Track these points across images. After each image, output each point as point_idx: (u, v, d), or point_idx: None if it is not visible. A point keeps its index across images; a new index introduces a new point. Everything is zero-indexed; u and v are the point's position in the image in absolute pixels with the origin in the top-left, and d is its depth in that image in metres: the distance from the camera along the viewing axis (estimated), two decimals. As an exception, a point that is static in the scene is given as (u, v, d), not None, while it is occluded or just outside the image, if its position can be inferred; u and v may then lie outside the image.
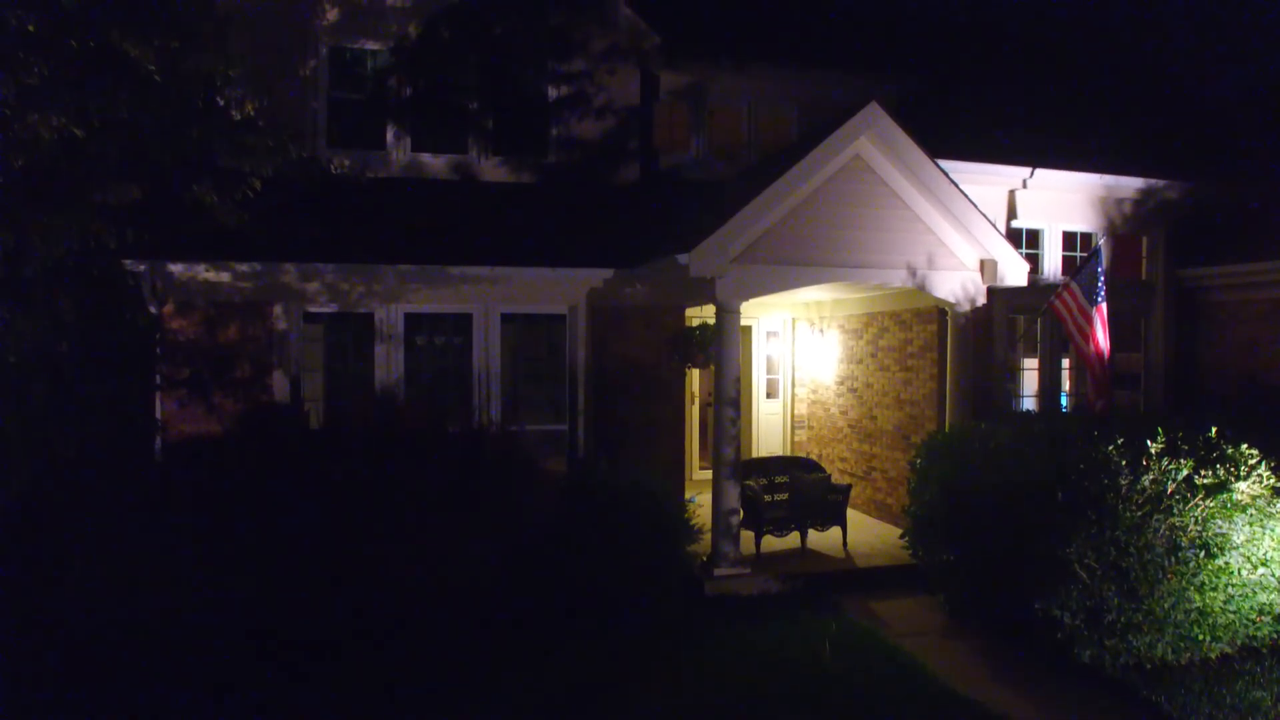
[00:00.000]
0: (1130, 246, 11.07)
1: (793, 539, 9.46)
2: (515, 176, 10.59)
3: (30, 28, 6.42)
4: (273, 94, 8.75)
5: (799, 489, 9.53)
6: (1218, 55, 14.33)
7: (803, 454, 12.92)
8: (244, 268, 8.42)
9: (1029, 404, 10.53)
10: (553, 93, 10.80)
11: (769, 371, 13.14)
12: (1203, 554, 6.62)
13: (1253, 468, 6.96)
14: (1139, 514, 6.60)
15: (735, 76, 11.71)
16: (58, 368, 7.37)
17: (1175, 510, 6.64)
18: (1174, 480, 6.73)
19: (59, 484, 7.05)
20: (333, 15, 10.17)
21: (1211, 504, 6.70)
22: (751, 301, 8.90)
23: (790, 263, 8.54)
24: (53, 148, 6.12)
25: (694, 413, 12.78)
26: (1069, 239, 10.68)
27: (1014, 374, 10.56)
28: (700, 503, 10.17)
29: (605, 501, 7.56)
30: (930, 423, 9.86)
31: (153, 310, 8.28)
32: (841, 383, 11.90)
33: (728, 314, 8.46)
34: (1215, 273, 10.60)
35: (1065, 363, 10.71)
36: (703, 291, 8.49)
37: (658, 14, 11.16)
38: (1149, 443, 6.90)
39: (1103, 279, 8.70)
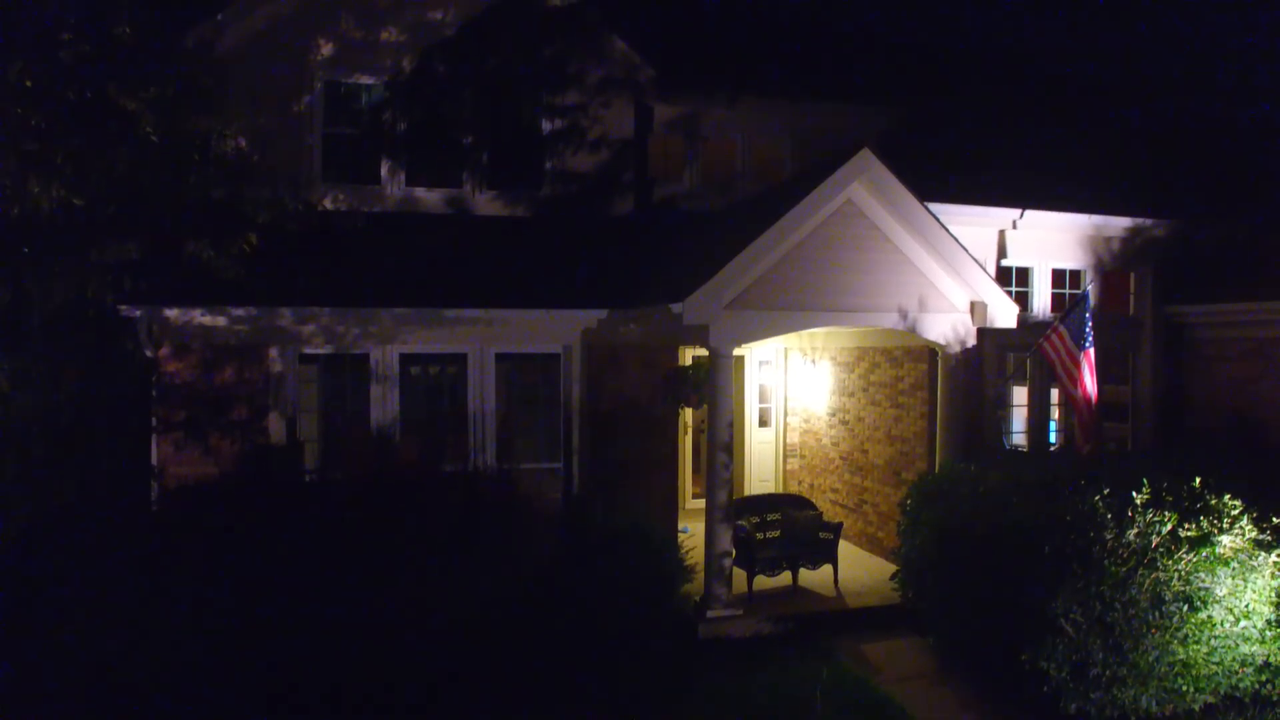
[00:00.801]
0: (1119, 282, 11.18)
1: (784, 577, 9.53)
2: (510, 210, 10.64)
3: (28, 83, 6.46)
4: (268, 132, 8.79)
5: (791, 527, 9.61)
6: (1207, 93, 14.46)
7: (794, 482, 13.02)
8: (240, 312, 8.46)
9: (1019, 439, 10.64)
10: (547, 125, 10.85)
11: (761, 400, 13.22)
12: (1186, 608, 6.71)
13: (1235, 519, 7.07)
14: (1124, 569, 6.70)
15: (729, 108, 11.78)
16: (56, 413, 7.40)
17: (1160, 564, 6.73)
18: (1158, 534, 6.83)
19: (54, 531, 7.07)
20: (327, 50, 10.20)
21: (1195, 558, 6.79)
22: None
23: (783, 308, 8.61)
24: (52, 214, 6.15)
25: (686, 443, 12.86)
26: (1058, 276, 10.78)
27: (1004, 409, 10.67)
28: (692, 534, 10.25)
29: (602, 545, 7.62)
30: (921, 460, 9.95)
31: (149, 354, 8.32)
32: (833, 414, 11.99)
33: (721, 358, 8.53)
34: (1202, 311, 10.71)
35: (1054, 396, 10.81)
36: (696, 336, 8.56)
37: (652, 46, 11.21)
38: (1134, 494, 7.02)
39: (1090, 323, 8.81)
